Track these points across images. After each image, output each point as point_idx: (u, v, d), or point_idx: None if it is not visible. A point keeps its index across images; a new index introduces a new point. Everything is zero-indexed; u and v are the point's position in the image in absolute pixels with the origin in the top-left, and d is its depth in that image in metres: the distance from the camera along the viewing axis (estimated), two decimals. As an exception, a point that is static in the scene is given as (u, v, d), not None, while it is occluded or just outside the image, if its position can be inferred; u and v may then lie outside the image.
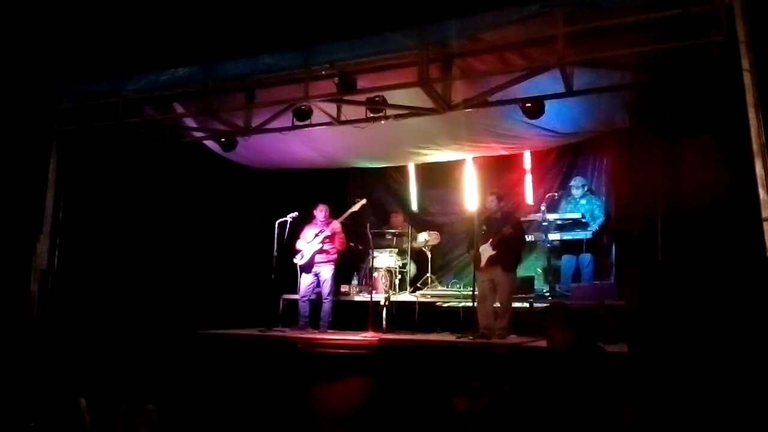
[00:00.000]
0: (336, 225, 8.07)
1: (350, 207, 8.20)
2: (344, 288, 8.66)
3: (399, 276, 8.47)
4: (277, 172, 9.31)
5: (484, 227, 6.99)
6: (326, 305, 8.00)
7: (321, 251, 8.05)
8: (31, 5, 7.05)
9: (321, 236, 8.01)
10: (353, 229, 8.85)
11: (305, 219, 8.28)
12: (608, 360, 4.13)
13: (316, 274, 8.07)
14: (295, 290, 8.16)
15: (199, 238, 8.30)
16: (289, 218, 8.06)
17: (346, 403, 5.31)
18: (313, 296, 8.13)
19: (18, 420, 5.59)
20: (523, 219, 7.49)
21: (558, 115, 6.75)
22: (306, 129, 6.95)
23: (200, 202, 8.35)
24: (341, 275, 8.78)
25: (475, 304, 6.90)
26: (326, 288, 8.02)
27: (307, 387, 6.24)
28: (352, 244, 8.84)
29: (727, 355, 4.51)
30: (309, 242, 8.07)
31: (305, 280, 8.07)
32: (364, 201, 8.22)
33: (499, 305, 6.87)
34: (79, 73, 6.97)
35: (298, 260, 8.07)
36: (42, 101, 7.08)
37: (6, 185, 6.99)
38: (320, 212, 8.20)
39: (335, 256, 8.13)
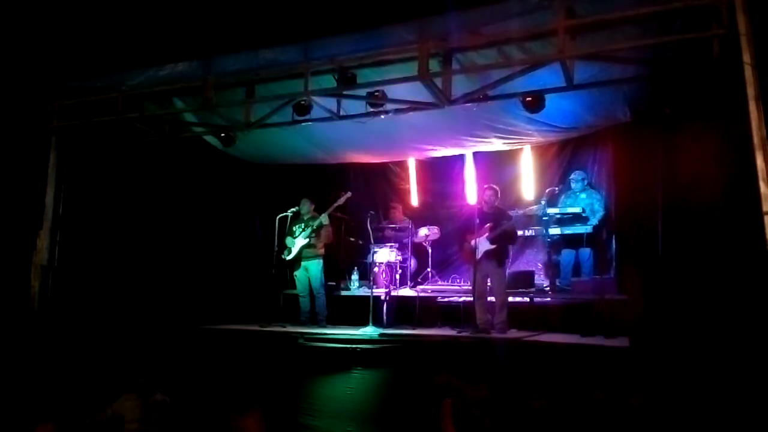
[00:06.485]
0: (322, 219, 8.03)
1: (335, 201, 8.15)
2: (344, 283, 8.66)
3: (399, 271, 8.47)
4: (277, 167, 9.30)
5: (477, 221, 6.99)
6: (319, 300, 7.97)
7: (308, 246, 8.01)
8: (30, 2, 7.02)
9: (307, 231, 8.00)
10: (353, 224, 8.84)
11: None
12: None
13: (306, 269, 8.04)
14: (294, 286, 8.16)
15: (200, 233, 8.30)
16: (289, 213, 8.05)
17: None
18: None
19: (19, 414, 5.61)
20: (525, 214, 7.51)
21: (558, 110, 6.74)
22: (306, 124, 6.95)
23: (200, 198, 8.34)
24: (339, 270, 8.78)
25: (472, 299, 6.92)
26: (316, 283, 7.97)
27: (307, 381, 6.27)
28: (352, 239, 8.82)
29: (729, 346, 4.52)
30: (296, 237, 8.07)
31: (298, 276, 8.06)
32: (348, 194, 8.16)
33: (495, 300, 6.89)
34: (79, 68, 6.94)
35: (286, 256, 8.06)
36: (41, 97, 7.06)
37: (6, 181, 6.97)
38: (304, 207, 8.16)
39: (322, 250, 8.07)
